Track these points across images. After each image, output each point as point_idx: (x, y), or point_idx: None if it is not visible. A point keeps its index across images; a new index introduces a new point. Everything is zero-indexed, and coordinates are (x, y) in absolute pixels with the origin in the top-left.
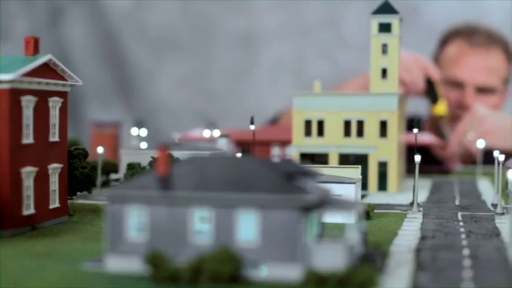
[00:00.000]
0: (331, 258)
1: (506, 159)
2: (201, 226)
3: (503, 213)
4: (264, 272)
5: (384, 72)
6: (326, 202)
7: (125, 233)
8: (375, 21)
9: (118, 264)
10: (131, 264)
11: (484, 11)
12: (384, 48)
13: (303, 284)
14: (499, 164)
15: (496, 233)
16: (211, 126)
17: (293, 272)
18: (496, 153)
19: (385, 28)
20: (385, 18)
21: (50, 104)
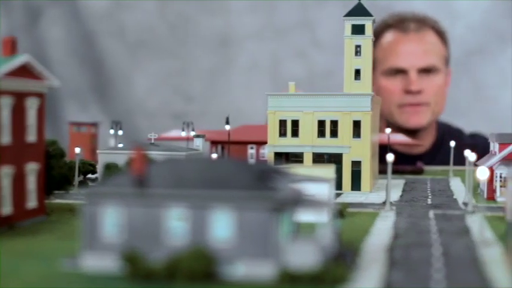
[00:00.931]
0: (304, 257)
1: (477, 158)
2: (176, 225)
3: (473, 212)
4: (239, 270)
5: (357, 73)
6: (299, 201)
7: (101, 232)
8: (348, 23)
9: (94, 262)
10: (107, 263)
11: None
12: (357, 50)
13: (275, 281)
14: (470, 163)
15: (467, 231)
16: (188, 126)
17: (266, 270)
18: (466, 153)
19: (358, 30)
20: (358, 21)
21: (27, 105)
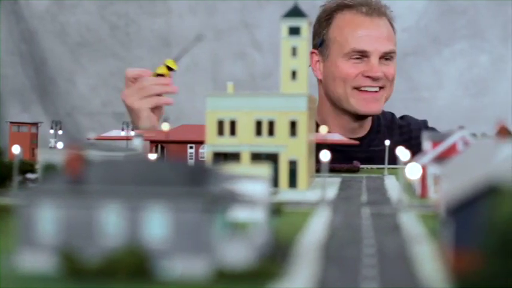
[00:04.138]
0: (237, 254)
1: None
2: (111, 223)
3: (406, 209)
4: (175, 269)
5: (294, 74)
6: (234, 199)
7: (36, 231)
8: (285, 24)
9: (29, 262)
10: (42, 263)
11: None
12: (294, 51)
13: (207, 279)
14: (402, 162)
15: (400, 229)
16: (128, 126)
17: (197, 268)
18: (398, 151)
19: (294, 31)
20: (294, 22)
21: None
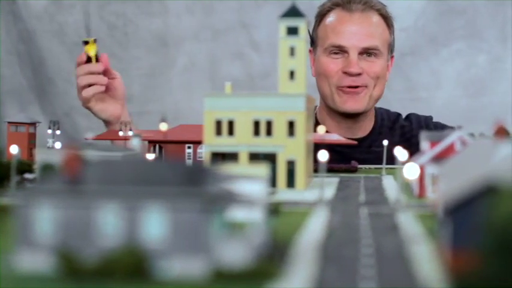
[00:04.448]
0: (235, 254)
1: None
2: (109, 223)
3: (404, 209)
4: (173, 269)
5: (292, 74)
6: (232, 199)
7: (34, 231)
8: (283, 24)
9: (27, 262)
10: (40, 263)
11: None
12: (292, 51)
13: (205, 279)
14: (400, 161)
15: (398, 229)
16: (126, 126)
17: (195, 268)
18: (396, 151)
19: (292, 31)
20: (292, 22)
21: None
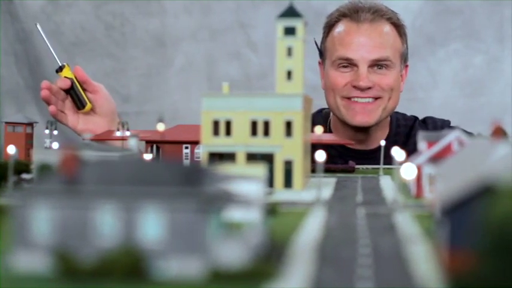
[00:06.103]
0: (233, 254)
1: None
2: (106, 223)
3: (401, 209)
4: (170, 269)
5: (289, 74)
6: (228, 199)
7: (31, 231)
8: (280, 24)
9: (24, 262)
10: (37, 263)
11: None
12: (289, 51)
13: (202, 279)
14: (397, 162)
15: (395, 229)
16: (123, 126)
17: (192, 268)
18: (393, 151)
19: (289, 31)
20: (289, 22)
21: None
